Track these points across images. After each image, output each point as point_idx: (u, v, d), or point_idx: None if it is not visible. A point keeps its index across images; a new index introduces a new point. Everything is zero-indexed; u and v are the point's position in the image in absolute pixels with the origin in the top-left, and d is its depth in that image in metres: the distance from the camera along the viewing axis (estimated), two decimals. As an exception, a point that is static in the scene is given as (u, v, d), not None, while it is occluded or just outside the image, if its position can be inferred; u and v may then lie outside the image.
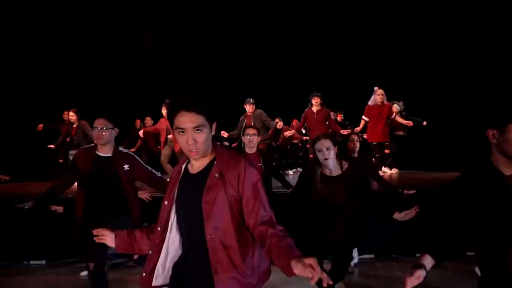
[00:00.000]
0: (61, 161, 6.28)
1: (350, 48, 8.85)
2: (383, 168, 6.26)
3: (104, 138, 2.68)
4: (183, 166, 1.61)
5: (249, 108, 6.12)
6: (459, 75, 7.27)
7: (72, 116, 6.08)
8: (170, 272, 1.55)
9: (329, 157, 2.54)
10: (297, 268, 1.22)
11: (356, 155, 3.87)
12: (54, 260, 4.51)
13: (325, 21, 8.96)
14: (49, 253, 4.55)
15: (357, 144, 3.87)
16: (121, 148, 2.87)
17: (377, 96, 6.04)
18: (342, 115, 8.25)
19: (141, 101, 8.25)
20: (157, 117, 6.79)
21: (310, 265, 1.18)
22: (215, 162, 1.50)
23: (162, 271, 1.54)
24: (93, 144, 2.85)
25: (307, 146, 7.21)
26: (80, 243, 2.80)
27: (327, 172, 2.61)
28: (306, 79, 8.63)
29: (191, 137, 1.43)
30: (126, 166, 2.75)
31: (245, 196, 1.46)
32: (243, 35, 8.93)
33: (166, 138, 6.32)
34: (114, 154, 2.75)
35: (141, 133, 6.66)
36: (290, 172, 7.54)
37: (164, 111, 6.32)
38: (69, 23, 7.75)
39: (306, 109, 6.46)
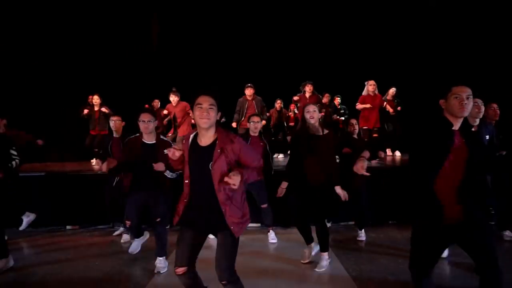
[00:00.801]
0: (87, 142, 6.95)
1: (347, 37, 9.39)
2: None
3: (149, 129, 3.49)
4: (190, 140, 2.39)
5: (248, 92, 6.57)
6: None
7: (96, 99, 6.71)
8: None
9: (313, 116, 3.46)
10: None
11: (355, 136, 4.60)
12: (87, 226, 5.39)
13: (324, 12, 9.45)
14: (83, 220, 5.42)
15: (356, 127, 4.60)
16: (161, 136, 3.68)
17: (369, 86, 6.68)
18: (339, 98, 8.63)
19: (148, 89, 8.91)
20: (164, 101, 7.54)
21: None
22: (217, 142, 2.30)
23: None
24: (138, 134, 3.62)
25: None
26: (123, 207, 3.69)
27: (312, 132, 3.52)
28: (304, 64, 9.22)
29: (205, 110, 2.25)
30: (166, 151, 3.54)
31: (241, 154, 2.33)
32: (242, 25, 9.39)
33: (170, 121, 7.10)
34: (157, 141, 3.57)
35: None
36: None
37: (171, 98, 6.97)
38: (88, 19, 8.38)
39: (299, 94, 7.14)
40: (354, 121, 4.64)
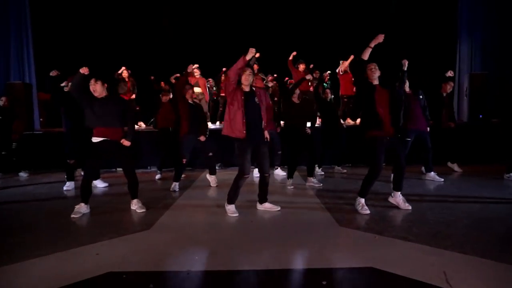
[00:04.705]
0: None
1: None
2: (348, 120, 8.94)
3: (192, 95, 5.52)
4: (240, 89, 3.89)
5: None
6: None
7: (125, 73, 8.77)
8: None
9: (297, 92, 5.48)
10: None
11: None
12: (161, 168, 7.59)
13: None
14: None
15: (329, 95, 6.82)
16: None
17: (342, 66, 8.74)
18: (328, 76, 9.93)
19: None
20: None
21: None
22: (254, 89, 4.07)
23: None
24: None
25: None
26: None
27: (295, 100, 5.48)
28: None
29: (248, 75, 3.86)
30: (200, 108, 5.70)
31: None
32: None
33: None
34: (195, 103, 5.59)
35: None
36: None
37: (195, 72, 8.81)
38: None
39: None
40: (328, 90, 6.84)
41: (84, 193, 4.22)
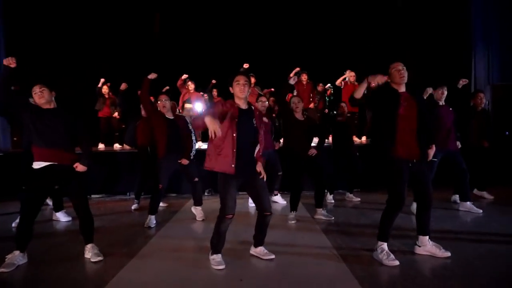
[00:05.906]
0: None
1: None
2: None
3: (167, 107, 4.49)
4: (236, 105, 2.96)
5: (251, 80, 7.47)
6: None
7: (106, 88, 7.81)
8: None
9: (298, 106, 4.47)
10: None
11: (343, 118, 5.74)
12: (108, 195, 6.56)
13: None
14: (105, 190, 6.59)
15: (346, 109, 5.76)
16: (177, 112, 4.77)
17: (350, 77, 7.77)
18: (331, 89, 9.09)
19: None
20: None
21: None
22: (253, 108, 3.12)
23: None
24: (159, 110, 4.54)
25: None
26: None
27: (297, 117, 4.49)
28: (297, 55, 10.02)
29: (242, 84, 2.95)
30: (181, 123, 4.68)
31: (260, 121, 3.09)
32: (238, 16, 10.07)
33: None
34: (175, 116, 4.62)
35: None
36: None
37: (189, 85, 7.92)
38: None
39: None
40: (343, 104, 5.76)
41: (21, 238, 3.20)
